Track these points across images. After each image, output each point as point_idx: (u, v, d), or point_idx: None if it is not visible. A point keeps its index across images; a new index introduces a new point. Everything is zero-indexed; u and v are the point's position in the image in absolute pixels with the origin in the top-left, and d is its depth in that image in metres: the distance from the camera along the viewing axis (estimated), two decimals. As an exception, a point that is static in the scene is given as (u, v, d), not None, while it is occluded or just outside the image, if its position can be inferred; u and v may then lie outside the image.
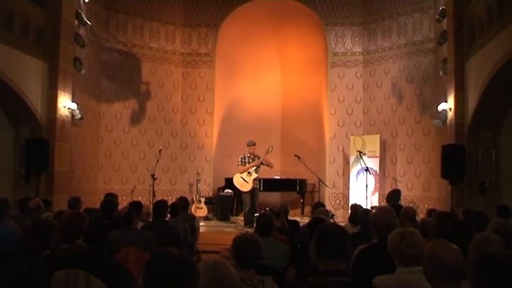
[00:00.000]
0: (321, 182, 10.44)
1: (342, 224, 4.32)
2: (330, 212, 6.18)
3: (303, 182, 10.47)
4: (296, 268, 3.82)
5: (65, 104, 8.60)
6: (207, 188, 11.30)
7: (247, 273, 2.68)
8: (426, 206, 9.44)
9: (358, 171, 10.30)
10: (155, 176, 9.41)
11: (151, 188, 9.44)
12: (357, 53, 11.40)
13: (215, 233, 8.45)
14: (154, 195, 9.28)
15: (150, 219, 5.65)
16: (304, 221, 7.98)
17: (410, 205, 9.01)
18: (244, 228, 8.18)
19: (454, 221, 4.01)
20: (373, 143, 10.45)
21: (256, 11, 11.60)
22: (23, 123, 8.14)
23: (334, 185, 11.07)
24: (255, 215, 7.02)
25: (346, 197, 10.87)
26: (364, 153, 9.97)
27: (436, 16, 9.20)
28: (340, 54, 11.43)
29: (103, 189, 9.72)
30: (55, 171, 8.29)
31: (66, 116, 8.71)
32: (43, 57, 8.25)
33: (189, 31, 11.80)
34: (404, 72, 10.59)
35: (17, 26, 7.60)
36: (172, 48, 11.68)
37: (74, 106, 8.81)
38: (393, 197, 9.56)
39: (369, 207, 7.42)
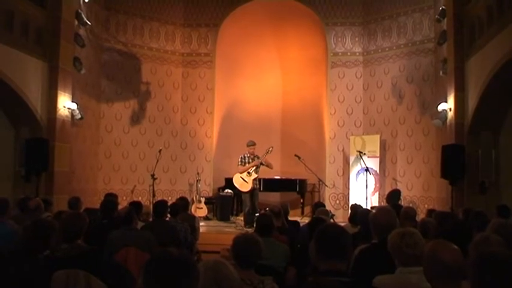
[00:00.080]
0: (321, 182, 10.44)
1: (342, 224, 4.32)
2: (330, 212, 6.18)
3: (303, 182, 10.47)
4: (296, 268, 3.82)
5: (65, 104, 8.60)
6: (207, 188, 11.30)
7: (247, 273, 2.68)
8: (426, 206, 9.44)
9: (358, 171, 10.30)
10: (155, 176, 9.41)
11: (151, 188, 9.44)
12: (357, 53, 11.41)
13: (215, 233, 8.45)
14: (154, 195, 9.28)
15: (150, 219, 5.65)
16: (304, 221, 7.97)
17: (410, 205, 9.01)
18: (244, 228, 8.18)
19: (454, 221, 4.02)
20: (373, 143, 10.45)
21: (256, 11, 11.60)
22: (23, 123, 8.14)
23: (334, 185, 11.07)
24: (255, 215, 7.02)
25: (346, 197, 10.87)
26: (364, 153, 9.97)
27: (436, 16, 9.20)
28: (340, 54, 11.43)
29: (103, 189, 9.72)
30: (55, 171, 8.29)
31: (66, 116, 8.71)
32: (43, 57, 8.25)
33: (189, 31, 11.81)
34: (404, 72, 10.60)
35: (17, 26, 7.60)
36: (172, 48, 11.68)
37: (74, 106, 8.81)
38: (393, 197, 9.56)
39: (369, 207, 7.43)
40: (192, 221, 6.26)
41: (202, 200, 10.31)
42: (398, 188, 10.15)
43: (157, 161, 9.74)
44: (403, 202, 9.53)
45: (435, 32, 9.80)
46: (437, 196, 9.56)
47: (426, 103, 10.09)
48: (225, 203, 10.39)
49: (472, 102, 7.93)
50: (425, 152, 10.05)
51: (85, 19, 9.13)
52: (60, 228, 3.10)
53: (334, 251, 2.33)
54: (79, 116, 8.95)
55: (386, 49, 10.96)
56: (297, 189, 10.39)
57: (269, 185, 10.06)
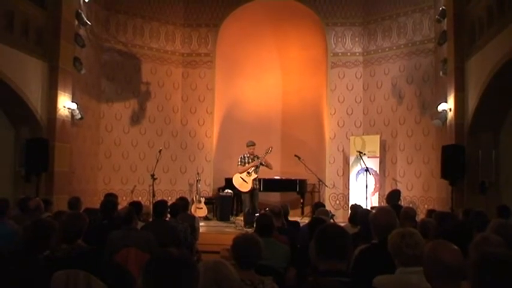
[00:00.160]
0: (321, 182, 10.44)
1: (342, 225, 4.32)
2: (330, 212, 6.18)
3: (303, 182, 10.47)
4: (296, 268, 3.82)
5: (65, 104, 8.60)
6: (207, 188, 11.30)
7: (247, 273, 2.67)
8: (426, 206, 9.43)
9: (358, 172, 10.30)
10: (155, 176, 9.41)
11: (151, 188, 9.44)
12: (357, 53, 11.41)
13: (215, 233, 8.45)
14: (154, 196, 9.28)
15: (150, 220, 5.65)
16: (304, 221, 7.97)
17: (410, 205, 9.02)
18: (244, 229, 8.18)
19: (454, 221, 4.01)
20: (373, 143, 10.45)
21: (256, 11, 11.60)
22: (23, 123, 8.14)
23: (334, 185, 11.07)
24: (255, 215, 7.02)
25: (346, 197, 10.87)
26: (364, 154, 9.97)
27: (436, 16, 9.20)
28: (340, 54, 11.44)
29: (103, 190, 9.72)
30: (55, 172, 8.28)
31: (66, 116, 8.71)
32: (43, 57, 8.25)
33: (189, 31, 11.81)
34: (404, 72, 10.60)
35: (17, 26, 7.60)
36: (172, 49, 11.68)
37: (74, 106, 8.81)
38: (393, 197, 9.56)
39: (368, 208, 7.43)
40: (192, 221, 6.26)
41: (202, 200, 10.32)
42: (398, 188, 10.15)
43: (157, 161, 9.73)
44: (403, 202, 9.53)
45: (435, 32, 9.80)
46: (437, 196, 9.56)
47: (426, 103, 10.09)
48: (225, 203, 10.39)
49: (472, 103, 7.93)
50: (425, 152, 10.05)
51: (85, 19, 9.13)
52: (60, 228, 3.10)
53: (334, 251, 2.33)
54: (79, 116, 8.95)
55: (387, 49, 10.96)
56: (297, 190, 10.39)
57: (269, 185, 10.06)
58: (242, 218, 9.24)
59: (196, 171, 10.95)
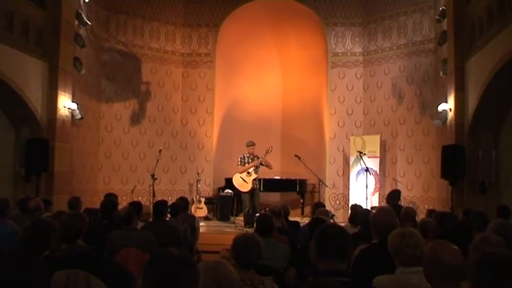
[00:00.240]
0: (321, 183, 10.44)
1: (342, 225, 4.31)
2: (330, 212, 6.19)
3: (303, 182, 10.47)
4: (296, 268, 3.82)
5: (65, 104, 8.61)
6: (207, 188, 11.30)
7: (247, 273, 2.67)
8: (426, 206, 9.43)
9: (358, 172, 10.30)
10: (155, 176, 9.41)
11: (151, 188, 9.44)
12: (357, 53, 11.41)
13: (215, 233, 8.45)
14: (154, 196, 9.28)
15: (150, 220, 5.65)
16: (304, 221, 7.97)
17: (410, 205, 9.02)
18: (244, 229, 8.18)
19: (454, 221, 4.02)
20: (373, 143, 10.45)
21: (256, 11, 11.60)
22: (23, 123, 8.14)
23: (334, 185, 11.07)
24: (256, 215, 7.02)
25: (346, 197, 10.87)
26: (364, 154, 9.98)
27: (436, 16, 9.20)
28: (340, 54, 11.44)
29: (103, 190, 9.72)
30: (55, 172, 8.28)
31: (66, 116, 8.71)
32: (43, 57, 8.25)
33: (189, 31, 11.81)
34: (404, 72, 10.60)
35: (17, 26, 7.60)
36: (172, 49, 11.69)
37: (74, 106, 8.81)
38: (393, 197, 9.56)
39: (369, 208, 7.42)
40: (192, 221, 6.25)
41: (202, 200, 10.32)
42: (398, 188, 10.15)
43: (158, 161, 9.73)
44: (403, 202, 9.54)
45: (435, 33, 9.80)
46: (437, 196, 9.56)
47: (426, 103, 10.09)
48: (225, 203, 10.39)
49: (472, 103, 7.93)
50: (426, 152, 10.05)
51: (85, 19, 9.13)
52: (60, 229, 3.10)
53: (334, 251, 2.33)
54: (79, 116, 8.95)
55: (387, 49, 10.96)
56: (297, 190, 10.39)
57: (269, 185, 10.06)
58: (242, 218, 9.24)
59: (196, 171, 10.95)
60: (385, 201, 9.81)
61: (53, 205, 6.70)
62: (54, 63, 8.38)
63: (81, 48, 9.12)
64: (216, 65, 11.74)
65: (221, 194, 10.52)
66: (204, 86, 11.68)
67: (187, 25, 11.82)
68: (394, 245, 2.58)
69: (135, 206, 5.27)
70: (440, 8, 9.00)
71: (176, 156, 11.50)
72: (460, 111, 8.26)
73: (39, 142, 7.99)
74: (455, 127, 8.33)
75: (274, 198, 11.17)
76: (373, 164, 10.25)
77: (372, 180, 10.02)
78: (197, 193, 10.36)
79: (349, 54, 11.42)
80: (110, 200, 5.71)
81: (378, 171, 10.34)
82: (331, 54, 11.44)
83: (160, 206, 5.37)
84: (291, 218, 6.71)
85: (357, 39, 11.41)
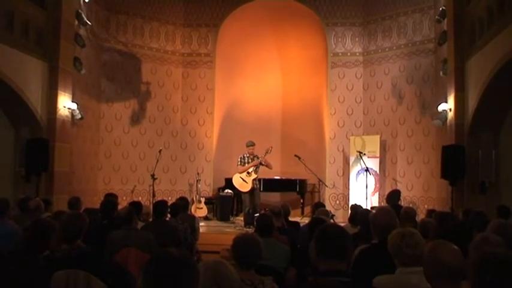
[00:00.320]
0: (321, 183, 10.44)
1: (342, 225, 4.32)
2: (330, 212, 6.19)
3: (303, 183, 10.47)
4: (296, 268, 3.82)
5: (65, 104, 8.61)
6: (207, 188, 11.30)
7: (247, 273, 2.67)
8: (426, 206, 9.43)
9: (358, 172, 10.30)
10: (155, 176, 9.41)
11: (151, 188, 9.44)
12: (357, 54, 11.41)
13: (215, 233, 8.45)
14: (154, 196, 9.28)
15: (150, 220, 5.65)
16: (304, 221, 7.97)
17: (410, 205, 9.02)
18: (244, 229, 8.18)
19: (454, 221, 4.02)
20: (373, 143, 10.45)
21: (256, 11, 11.60)
22: (23, 123, 8.14)
23: (334, 186, 11.07)
24: (256, 215, 7.02)
25: (346, 197, 10.87)
26: (364, 154, 9.98)
27: (436, 16, 9.20)
28: (340, 54, 11.44)
29: (103, 190, 9.72)
30: (55, 172, 8.29)
31: (66, 116, 8.71)
32: (43, 57, 8.25)
33: (189, 31, 11.81)
34: (404, 72, 10.60)
35: (17, 26, 7.60)
36: (172, 49, 11.69)
37: (74, 106, 8.81)
38: (393, 197, 9.56)
39: (368, 208, 7.42)
40: (192, 221, 6.25)
41: (202, 200, 10.32)
42: (398, 188, 10.15)
43: (157, 161, 9.73)
44: (403, 202, 9.53)
45: (435, 33, 9.80)
46: (437, 196, 9.56)
47: (426, 103, 10.09)
48: (225, 203, 10.39)
49: (472, 103, 7.93)
50: (426, 152, 10.05)
51: (85, 19, 9.13)
52: (60, 228, 3.10)
53: (334, 251, 2.33)
54: (79, 116, 8.95)
55: (387, 49, 10.96)
56: (297, 190, 10.39)
57: (269, 185, 10.06)
58: (242, 218, 9.24)
59: (196, 171, 10.95)
60: (385, 201, 9.81)
61: (53, 205, 6.70)
62: (54, 63, 8.38)
63: (81, 48, 9.13)
64: (216, 65, 11.74)
65: (221, 194, 10.53)
66: (204, 86, 11.68)
67: (187, 25, 11.82)
68: (394, 245, 2.58)
69: (135, 206, 5.27)
70: (440, 8, 9.01)
71: (176, 156, 11.50)
72: (460, 111, 8.26)
73: (39, 142, 7.99)
74: (455, 127, 8.33)
75: (274, 198, 11.17)
76: (373, 164, 10.25)
77: (371, 180, 10.02)
78: (197, 193, 10.36)
79: (349, 54, 11.42)
80: (110, 200, 5.71)
81: (377, 171, 10.34)
82: (331, 54, 11.44)
83: (160, 206, 5.37)
84: (291, 218, 6.71)
85: (357, 39, 11.41)
